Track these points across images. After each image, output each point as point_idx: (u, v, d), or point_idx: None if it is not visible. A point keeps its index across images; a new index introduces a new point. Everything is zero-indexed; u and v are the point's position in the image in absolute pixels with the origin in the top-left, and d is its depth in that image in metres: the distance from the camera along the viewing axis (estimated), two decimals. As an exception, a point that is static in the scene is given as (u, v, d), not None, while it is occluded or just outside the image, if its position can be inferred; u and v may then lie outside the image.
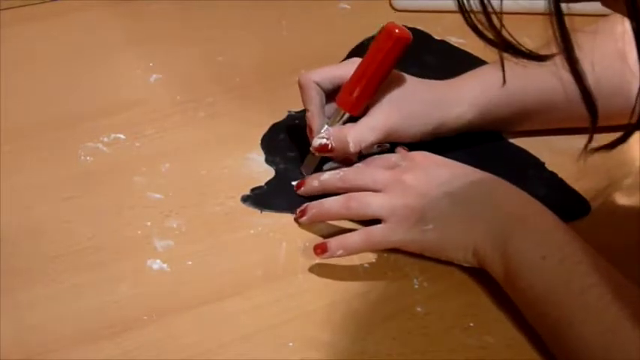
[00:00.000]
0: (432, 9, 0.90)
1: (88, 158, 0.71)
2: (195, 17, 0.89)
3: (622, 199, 0.70)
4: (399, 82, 0.68)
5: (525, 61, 0.46)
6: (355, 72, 0.66)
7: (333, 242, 0.62)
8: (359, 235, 0.63)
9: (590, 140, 0.49)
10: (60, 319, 0.58)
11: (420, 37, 0.84)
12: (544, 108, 0.71)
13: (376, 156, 0.68)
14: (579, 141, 0.73)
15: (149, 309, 0.59)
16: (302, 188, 0.67)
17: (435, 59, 0.83)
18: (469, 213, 0.61)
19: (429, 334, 0.59)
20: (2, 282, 0.60)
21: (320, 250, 0.62)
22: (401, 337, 0.59)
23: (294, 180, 0.69)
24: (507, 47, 0.46)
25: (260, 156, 0.72)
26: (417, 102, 0.68)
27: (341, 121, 0.67)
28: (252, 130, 0.74)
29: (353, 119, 0.67)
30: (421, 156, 0.66)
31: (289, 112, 0.76)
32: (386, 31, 0.64)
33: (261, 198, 0.68)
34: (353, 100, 0.66)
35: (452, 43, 0.86)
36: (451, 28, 0.88)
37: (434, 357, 0.57)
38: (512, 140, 0.74)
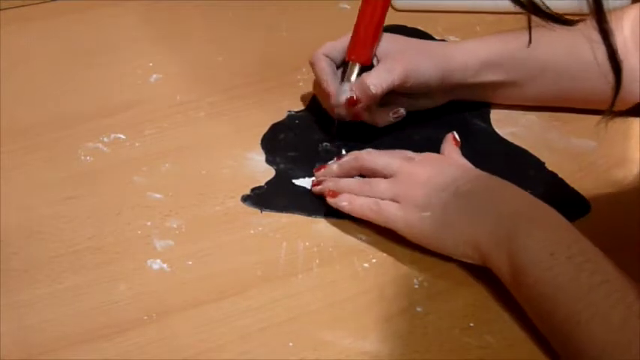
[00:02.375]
0: (432, 9, 0.91)
1: (88, 158, 0.71)
2: (196, 17, 0.89)
3: (622, 199, 0.70)
4: (397, 38, 0.72)
5: (553, 24, 0.47)
6: (356, 25, 0.70)
7: (346, 195, 0.64)
8: (367, 200, 0.64)
9: (612, 103, 0.50)
10: (60, 319, 0.58)
11: (420, 37, 0.85)
12: (565, 72, 0.72)
13: (392, 150, 0.68)
14: (579, 141, 0.75)
15: (149, 309, 0.59)
16: (322, 170, 0.68)
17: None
18: (471, 207, 0.61)
19: (429, 334, 0.59)
20: (2, 282, 0.60)
21: (331, 194, 0.65)
22: (401, 337, 0.59)
23: (294, 179, 0.69)
24: (536, 10, 0.47)
25: (260, 156, 0.72)
26: (423, 48, 0.72)
27: (354, 75, 0.70)
28: (252, 130, 0.74)
29: (365, 70, 0.70)
30: (435, 156, 0.68)
31: (289, 112, 0.76)
32: None
33: (261, 198, 0.68)
34: (361, 49, 0.70)
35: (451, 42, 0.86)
36: (451, 28, 0.88)
37: (434, 357, 0.57)
38: (512, 140, 0.74)
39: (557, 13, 0.48)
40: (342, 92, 0.69)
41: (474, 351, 0.58)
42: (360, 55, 0.70)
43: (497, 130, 0.75)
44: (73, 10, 0.88)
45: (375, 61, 0.71)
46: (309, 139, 0.73)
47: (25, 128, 0.74)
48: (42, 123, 0.74)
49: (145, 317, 0.59)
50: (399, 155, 0.67)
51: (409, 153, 0.67)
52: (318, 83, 0.72)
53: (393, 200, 0.63)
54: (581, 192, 0.69)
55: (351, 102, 0.68)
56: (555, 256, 0.56)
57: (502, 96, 0.75)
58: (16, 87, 0.78)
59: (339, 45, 0.72)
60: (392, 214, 0.63)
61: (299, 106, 0.77)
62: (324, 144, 0.73)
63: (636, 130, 0.75)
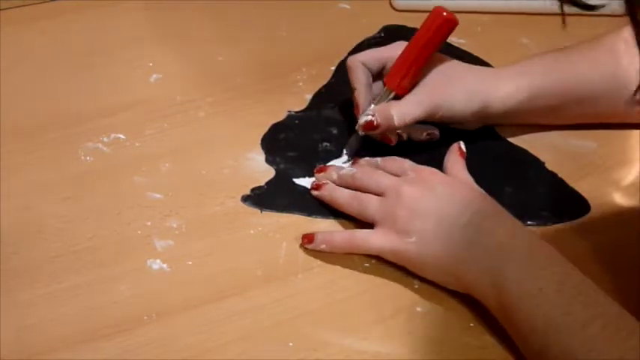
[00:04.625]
0: (432, 9, 0.90)
1: (88, 158, 0.71)
2: (196, 17, 0.89)
3: (622, 199, 0.70)
4: (443, 62, 0.70)
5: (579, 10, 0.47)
6: (403, 52, 0.69)
7: (320, 235, 0.64)
8: (342, 235, 0.64)
9: None
10: (60, 319, 0.59)
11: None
12: (594, 94, 0.71)
13: (393, 157, 0.68)
14: (579, 141, 0.75)
15: (149, 309, 0.59)
16: (322, 173, 0.68)
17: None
18: (453, 237, 0.59)
19: (429, 334, 0.59)
20: (2, 282, 0.60)
21: (307, 240, 0.64)
22: (401, 337, 0.59)
23: (295, 178, 0.69)
24: None
25: (260, 156, 0.72)
26: (462, 78, 0.70)
27: (386, 101, 0.69)
28: (252, 130, 0.74)
29: (398, 99, 0.69)
30: (429, 172, 0.65)
31: (289, 112, 0.76)
32: (434, 13, 0.68)
33: (261, 198, 0.68)
34: (399, 79, 0.68)
35: (452, 43, 0.86)
36: (451, 28, 0.88)
37: (433, 357, 0.57)
38: (512, 140, 0.74)
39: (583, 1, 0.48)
40: (366, 113, 0.68)
41: (474, 351, 0.58)
42: (398, 87, 0.68)
43: (498, 130, 0.75)
44: (73, 10, 0.88)
45: None
46: (309, 139, 0.73)
47: (25, 128, 0.74)
48: (42, 123, 0.74)
49: (145, 317, 0.59)
50: (394, 167, 0.66)
51: (407, 164, 0.66)
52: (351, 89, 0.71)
53: (380, 221, 0.62)
54: (581, 192, 0.69)
55: (370, 126, 0.67)
56: (544, 291, 0.54)
57: (541, 119, 0.74)
58: (16, 87, 0.78)
59: (377, 55, 0.71)
60: (377, 240, 0.62)
61: (299, 106, 0.77)
62: (324, 144, 0.73)
63: (636, 131, 0.75)
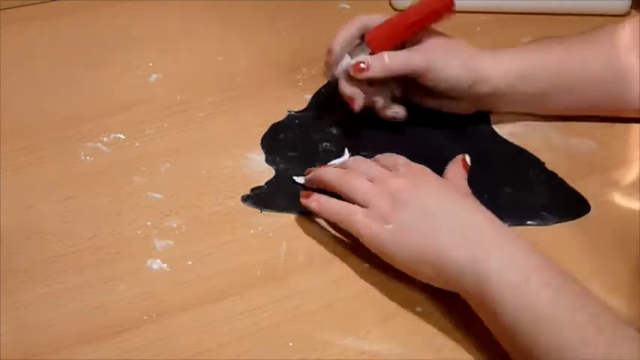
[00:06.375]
0: (432, 9, 0.90)
1: (88, 158, 0.71)
2: (196, 17, 0.89)
3: (622, 199, 0.70)
4: (441, 35, 0.71)
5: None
6: (392, 18, 0.69)
7: (316, 195, 0.64)
8: (337, 204, 0.63)
9: None
10: (60, 319, 0.59)
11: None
12: (586, 82, 0.72)
13: (390, 153, 0.68)
14: (579, 141, 0.75)
15: (149, 309, 0.59)
16: (310, 175, 0.67)
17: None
18: (434, 226, 0.58)
19: (428, 334, 0.59)
20: (2, 282, 0.60)
21: (306, 195, 0.65)
22: (401, 337, 0.59)
23: (295, 177, 0.69)
24: None
25: (260, 156, 0.72)
26: (458, 50, 0.71)
27: (362, 55, 0.69)
28: (252, 130, 0.74)
29: None
30: (421, 169, 0.64)
31: (289, 112, 0.76)
32: None
33: (261, 198, 0.68)
34: (382, 40, 0.69)
35: (452, 43, 0.86)
36: (451, 28, 0.87)
37: (433, 357, 0.57)
38: (511, 140, 0.74)
39: None
40: (354, 58, 0.68)
41: (475, 351, 0.58)
42: (377, 46, 0.69)
43: (497, 130, 0.75)
44: (73, 10, 0.88)
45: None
46: (309, 139, 0.73)
47: (25, 128, 0.74)
48: (42, 123, 0.74)
49: (145, 317, 0.59)
50: (386, 162, 0.66)
51: (402, 160, 0.66)
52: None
53: (365, 205, 0.62)
54: (581, 192, 0.69)
55: (358, 68, 0.68)
56: (531, 281, 0.53)
57: (537, 107, 0.74)
58: (16, 87, 0.78)
59: (377, 20, 0.71)
60: (358, 220, 0.61)
61: (299, 106, 0.77)
62: (324, 144, 0.73)
63: (636, 131, 0.75)
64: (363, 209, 0.61)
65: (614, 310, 0.53)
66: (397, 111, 0.72)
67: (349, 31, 0.71)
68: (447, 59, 0.69)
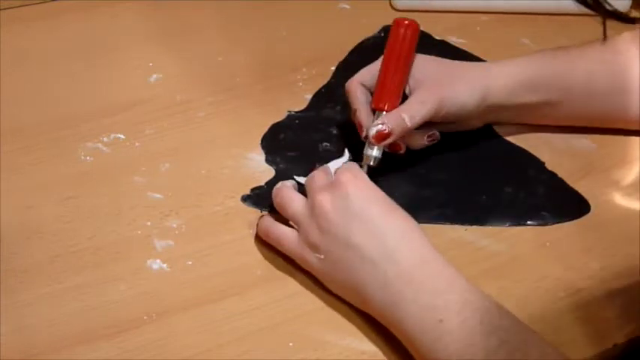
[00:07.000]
0: (432, 9, 0.91)
1: (88, 158, 0.71)
2: (195, 17, 0.89)
3: (622, 199, 0.70)
4: (436, 62, 0.70)
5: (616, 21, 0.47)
6: (380, 72, 0.68)
7: (261, 218, 0.64)
8: (268, 223, 0.63)
9: None
10: (60, 319, 0.58)
11: (420, 37, 0.84)
12: (589, 92, 0.71)
13: (334, 161, 0.68)
14: (579, 141, 0.75)
15: (149, 309, 0.59)
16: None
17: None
18: (358, 259, 0.57)
19: (429, 334, 0.59)
20: (2, 282, 0.60)
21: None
22: (401, 337, 0.59)
23: (296, 176, 0.69)
24: (599, 8, 0.47)
25: (260, 156, 0.72)
26: (461, 72, 0.69)
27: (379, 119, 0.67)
28: (252, 130, 0.74)
29: None
30: (350, 175, 0.60)
31: (289, 112, 0.76)
32: (395, 24, 0.68)
33: (261, 198, 0.68)
34: (384, 98, 0.67)
35: (452, 43, 0.86)
36: (451, 28, 0.88)
37: (434, 357, 0.57)
38: (512, 140, 0.74)
39: (619, 11, 0.48)
40: (374, 124, 0.65)
41: (474, 351, 0.58)
42: (386, 105, 0.67)
43: (497, 130, 0.75)
44: (73, 10, 0.88)
45: (407, 90, 0.68)
46: (309, 139, 0.73)
47: (25, 128, 0.74)
48: (42, 123, 0.74)
49: (145, 317, 0.59)
50: (326, 171, 0.63)
51: (344, 165, 0.63)
52: (352, 113, 0.69)
53: (297, 225, 0.61)
54: (581, 192, 0.69)
55: (381, 135, 0.65)
56: (445, 323, 0.53)
57: (540, 117, 0.73)
58: (16, 87, 0.78)
59: (372, 70, 0.69)
60: (292, 249, 0.61)
61: (299, 106, 0.77)
62: (324, 144, 0.73)
63: (636, 131, 0.75)
64: (296, 234, 0.61)
65: (536, 339, 0.52)
66: (432, 134, 0.69)
67: (359, 98, 0.68)
68: (456, 88, 0.67)
